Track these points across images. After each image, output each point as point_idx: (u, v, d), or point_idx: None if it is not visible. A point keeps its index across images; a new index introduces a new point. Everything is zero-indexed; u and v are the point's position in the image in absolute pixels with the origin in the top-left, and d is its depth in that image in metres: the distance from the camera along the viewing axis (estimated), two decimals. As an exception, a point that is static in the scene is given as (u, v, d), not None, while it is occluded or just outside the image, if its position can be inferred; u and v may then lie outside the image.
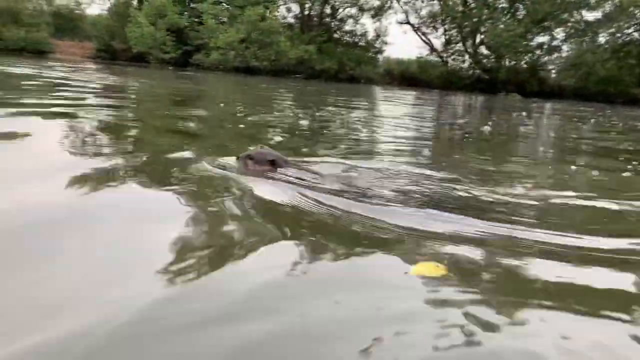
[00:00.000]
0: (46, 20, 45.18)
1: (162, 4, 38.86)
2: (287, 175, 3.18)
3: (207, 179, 3.08)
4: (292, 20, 46.55)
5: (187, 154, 3.85)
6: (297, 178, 3.16)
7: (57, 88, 10.00)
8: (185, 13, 41.65)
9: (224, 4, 41.36)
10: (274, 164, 3.22)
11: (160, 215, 2.43)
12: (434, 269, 1.86)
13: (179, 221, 2.26)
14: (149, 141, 4.50)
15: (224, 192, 2.80)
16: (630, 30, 38.75)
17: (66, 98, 7.95)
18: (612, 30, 39.06)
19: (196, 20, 41.08)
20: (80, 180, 2.89)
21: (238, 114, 7.70)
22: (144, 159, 3.60)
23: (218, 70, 37.78)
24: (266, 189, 2.86)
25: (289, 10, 46.98)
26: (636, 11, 35.31)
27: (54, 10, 52.56)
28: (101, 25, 45.31)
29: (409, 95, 25.08)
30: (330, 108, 11.05)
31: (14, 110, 5.87)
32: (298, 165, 3.41)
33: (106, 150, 3.93)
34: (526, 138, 8.21)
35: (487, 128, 8.43)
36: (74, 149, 3.90)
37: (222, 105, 9.06)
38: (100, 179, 2.96)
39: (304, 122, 7.26)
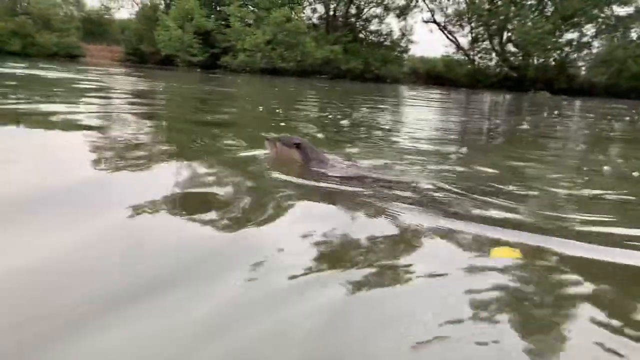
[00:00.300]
0: (76, 25, 46.38)
1: (190, 7, 39.55)
2: (313, 159, 3.59)
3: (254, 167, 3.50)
4: (317, 21, 46.83)
5: (234, 147, 4.17)
6: (322, 163, 3.57)
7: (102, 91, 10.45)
8: (212, 16, 42.26)
9: (250, 7, 41.86)
10: (299, 147, 3.57)
11: (219, 192, 2.78)
12: (511, 252, 2.06)
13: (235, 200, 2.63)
14: (209, 142, 4.76)
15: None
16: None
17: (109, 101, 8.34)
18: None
19: (223, 23, 41.66)
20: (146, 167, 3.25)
21: (277, 115, 7.97)
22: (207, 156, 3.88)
23: (245, 72, 38.27)
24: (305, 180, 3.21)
25: (314, 10, 47.38)
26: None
27: (84, 16, 53.95)
28: (130, 29, 46.34)
29: (437, 94, 25.09)
30: (362, 108, 11.25)
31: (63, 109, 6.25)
32: (323, 154, 3.74)
33: (165, 146, 4.23)
34: (565, 136, 8.25)
35: (525, 126, 8.53)
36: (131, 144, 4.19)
37: (260, 109, 9.34)
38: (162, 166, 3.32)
39: (343, 122, 7.49)
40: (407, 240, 2.18)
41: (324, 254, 1.96)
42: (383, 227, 2.35)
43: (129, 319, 1.41)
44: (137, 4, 48.93)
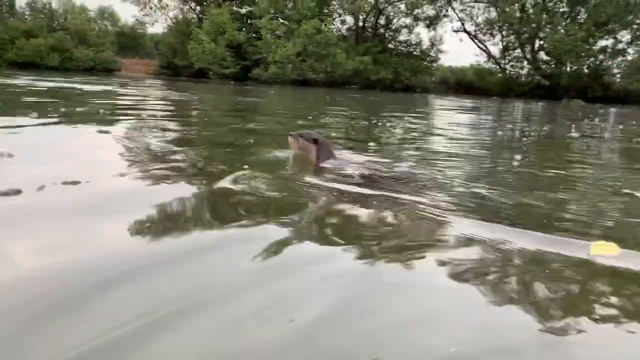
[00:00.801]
0: (111, 40, 48.10)
1: (222, 21, 40.65)
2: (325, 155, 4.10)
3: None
4: (346, 33, 47.42)
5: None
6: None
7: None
8: (243, 29, 43.28)
9: (280, 19, 42.72)
10: (317, 142, 4.09)
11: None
12: (611, 248, 2.06)
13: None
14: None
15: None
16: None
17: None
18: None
19: (254, 35, 42.68)
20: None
21: (330, 125, 8.40)
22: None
23: (275, 83, 39.01)
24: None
25: (343, 22, 48.03)
26: None
27: (117, 30, 55.83)
28: (164, 43, 47.80)
29: (470, 103, 25.22)
30: (406, 117, 11.60)
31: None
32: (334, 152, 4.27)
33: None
34: (619, 142, 8.41)
35: (574, 134, 8.76)
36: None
37: (310, 118, 9.81)
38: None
39: (396, 131, 7.87)
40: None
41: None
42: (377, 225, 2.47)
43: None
44: (171, 19, 50.44)
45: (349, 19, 47.89)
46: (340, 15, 47.63)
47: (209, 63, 40.98)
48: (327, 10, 45.32)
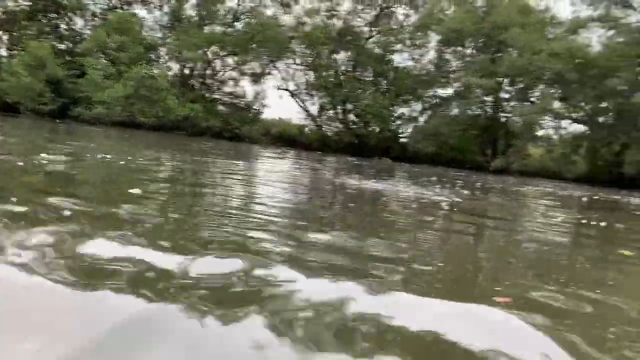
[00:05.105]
0: None
1: (43, 55, 39.59)
2: None
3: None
4: (174, 79, 49.47)
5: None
6: None
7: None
8: (63, 65, 42.48)
9: (105, 60, 43.09)
10: None
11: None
12: None
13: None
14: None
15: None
16: (474, 107, 48.74)
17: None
18: (462, 105, 48.59)
19: (75, 72, 42.22)
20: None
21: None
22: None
23: (101, 123, 38.98)
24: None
25: (169, 69, 50.15)
26: (478, 90, 45.10)
27: None
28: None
29: (290, 156, 29.07)
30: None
31: None
32: None
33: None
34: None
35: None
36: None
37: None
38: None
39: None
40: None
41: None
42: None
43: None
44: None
45: (176, 67, 50.34)
46: (166, 61, 49.88)
47: (21, 97, 39.21)
48: (153, 56, 47.24)
